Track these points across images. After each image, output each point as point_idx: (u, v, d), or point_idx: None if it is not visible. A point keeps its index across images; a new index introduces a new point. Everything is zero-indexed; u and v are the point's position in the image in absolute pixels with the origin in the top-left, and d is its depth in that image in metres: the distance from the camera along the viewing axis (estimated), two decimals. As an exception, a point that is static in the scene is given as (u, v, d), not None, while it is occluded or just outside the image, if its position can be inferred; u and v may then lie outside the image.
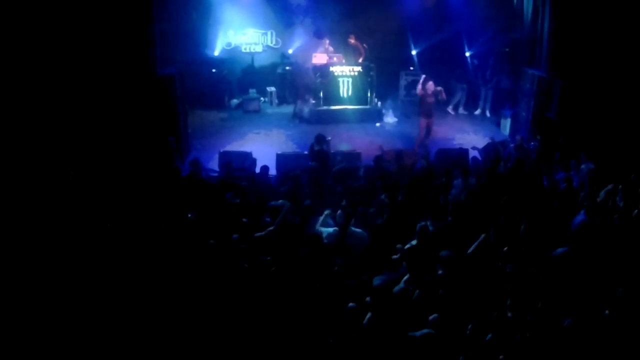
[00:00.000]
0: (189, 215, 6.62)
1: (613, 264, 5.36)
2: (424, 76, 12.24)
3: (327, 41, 14.44)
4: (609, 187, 7.35)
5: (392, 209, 6.74)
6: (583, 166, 8.60)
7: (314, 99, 14.10)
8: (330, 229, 6.43)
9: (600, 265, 5.35)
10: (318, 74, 14.00)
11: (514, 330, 4.50)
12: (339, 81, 13.88)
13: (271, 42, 15.84)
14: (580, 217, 6.48)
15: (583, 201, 7.15)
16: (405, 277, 5.40)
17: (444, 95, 12.05)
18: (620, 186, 7.25)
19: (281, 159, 10.25)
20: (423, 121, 11.86)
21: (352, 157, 10.24)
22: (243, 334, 4.75)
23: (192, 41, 14.50)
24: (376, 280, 4.94)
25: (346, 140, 12.05)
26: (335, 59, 14.34)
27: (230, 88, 15.53)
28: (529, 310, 4.60)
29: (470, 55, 14.94)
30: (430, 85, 11.89)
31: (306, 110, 13.99)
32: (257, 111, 14.79)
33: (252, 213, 7.08)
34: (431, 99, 11.84)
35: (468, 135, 12.91)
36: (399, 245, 6.09)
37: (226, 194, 7.41)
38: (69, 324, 4.67)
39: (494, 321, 4.58)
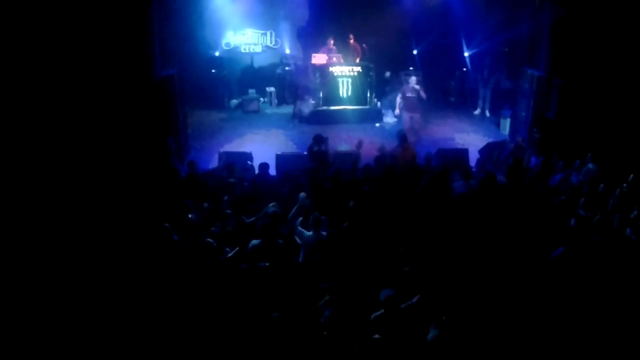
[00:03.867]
0: (190, 216, 6.63)
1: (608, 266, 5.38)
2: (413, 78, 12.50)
3: (332, 41, 14.47)
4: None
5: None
6: (590, 165, 8.61)
7: (313, 99, 14.10)
8: (308, 232, 6.47)
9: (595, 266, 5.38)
10: (317, 74, 14.01)
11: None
12: (338, 81, 13.88)
13: (270, 43, 15.85)
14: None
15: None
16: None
17: (423, 94, 12.16)
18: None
19: (281, 159, 10.25)
20: (406, 114, 12.14)
21: (351, 157, 10.23)
22: (243, 335, 4.76)
23: (192, 42, 14.49)
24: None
25: (346, 141, 12.05)
26: (334, 59, 14.34)
27: (230, 88, 15.54)
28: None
29: (469, 55, 14.96)
30: (412, 79, 12.20)
31: (306, 110, 13.99)
32: (257, 111, 14.81)
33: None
34: (412, 94, 12.08)
35: (467, 135, 12.94)
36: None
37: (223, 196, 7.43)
38: (69, 324, 4.68)
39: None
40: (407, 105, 12.11)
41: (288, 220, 6.80)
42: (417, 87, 12.11)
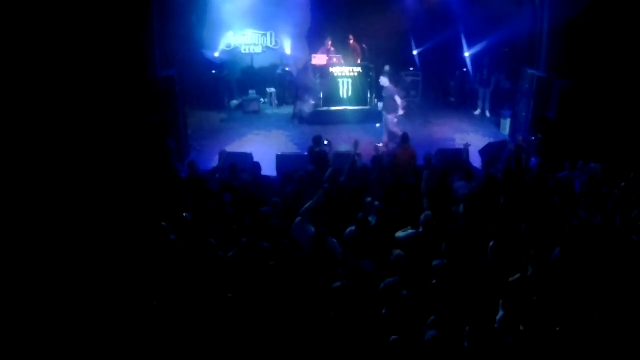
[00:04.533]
0: (185, 215, 6.61)
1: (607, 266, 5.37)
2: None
3: (330, 42, 14.47)
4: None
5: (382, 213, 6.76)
6: (593, 165, 8.60)
7: (313, 100, 14.10)
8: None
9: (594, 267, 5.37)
10: (318, 75, 14.01)
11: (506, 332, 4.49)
12: (338, 82, 13.89)
13: (271, 43, 15.85)
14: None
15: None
16: None
17: (398, 99, 12.16)
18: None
19: (281, 159, 10.25)
20: (385, 116, 12.24)
21: (349, 158, 10.19)
22: (244, 335, 4.76)
23: (192, 42, 14.51)
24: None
25: (346, 141, 12.05)
26: (334, 59, 14.35)
27: (230, 89, 15.54)
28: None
29: (469, 55, 14.97)
30: (381, 80, 12.36)
31: (306, 111, 13.99)
32: (257, 112, 14.81)
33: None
34: (385, 94, 12.21)
35: (468, 136, 12.91)
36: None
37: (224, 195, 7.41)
38: (68, 324, 4.67)
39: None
40: (385, 107, 12.23)
41: (300, 214, 6.80)
42: (387, 85, 12.15)
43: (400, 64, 15.59)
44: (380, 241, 6.11)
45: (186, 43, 14.04)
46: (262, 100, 15.29)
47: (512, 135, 12.57)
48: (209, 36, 15.09)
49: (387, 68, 14.75)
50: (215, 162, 10.33)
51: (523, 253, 5.54)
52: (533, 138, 10.86)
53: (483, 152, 10.65)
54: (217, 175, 9.00)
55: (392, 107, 12.13)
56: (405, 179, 8.35)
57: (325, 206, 7.04)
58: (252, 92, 15.26)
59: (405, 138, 9.60)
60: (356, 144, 9.59)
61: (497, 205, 6.88)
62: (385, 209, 6.88)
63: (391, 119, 12.11)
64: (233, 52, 15.69)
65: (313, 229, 6.37)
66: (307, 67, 14.66)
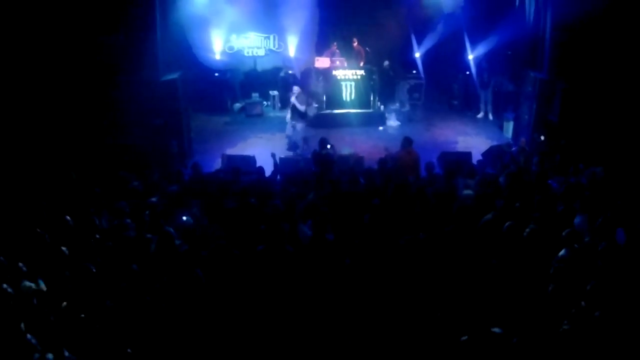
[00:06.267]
0: (184, 218, 6.63)
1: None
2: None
3: (335, 44, 14.50)
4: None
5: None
6: (597, 169, 8.57)
7: (316, 103, 14.12)
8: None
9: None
10: (320, 78, 14.03)
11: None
12: (341, 85, 13.91)
13: (273, 46, 15.88)
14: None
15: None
16: None
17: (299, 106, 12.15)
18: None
19: (284, 162, 10.27)
20: (290, 123, 12.28)
21: (355, 160, 10.22)
22: (245, 335, 4.77)
23: (195, 45, 14.56)
24: None
25: (349, 144, 12.05)
26: (337, 62, 14.37)
27: (233, 92, 15.57)
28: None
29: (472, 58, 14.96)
30: (294, 89, 12.32)
31: (309, 114, 13.99)
32: (260, 115, 14.83)
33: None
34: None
35: (471, 138, 12.92)
36: None
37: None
38: (68, 324, 4.69)
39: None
40: (292, 114, 12.19)
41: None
42: (294, 95, 12.12)
43: (403, 66, 15.61)
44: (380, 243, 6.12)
45: (189, 46, 14.09)
46: (265, 103, 15.32)
47: (515, 137, 12.55)
48: (212, 39, 15.14)
49: (386, 63, 14.73)
50: (218, 164, 10.39)
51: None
52: (537, 135, 10.84)
53: (486, 155, 10.64)
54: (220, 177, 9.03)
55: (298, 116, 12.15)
56: (408, 182, 8.33)
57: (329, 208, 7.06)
58: (255, 95, 15.30)
59: (408, 141, 9.54)
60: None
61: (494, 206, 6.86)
62: (387, 212, 6.88)
63: (299, 127, 12.12)
64: (236, 55, 15.73)
65: (310, 232, 6.39)
66: (310, 69, 14.69)
